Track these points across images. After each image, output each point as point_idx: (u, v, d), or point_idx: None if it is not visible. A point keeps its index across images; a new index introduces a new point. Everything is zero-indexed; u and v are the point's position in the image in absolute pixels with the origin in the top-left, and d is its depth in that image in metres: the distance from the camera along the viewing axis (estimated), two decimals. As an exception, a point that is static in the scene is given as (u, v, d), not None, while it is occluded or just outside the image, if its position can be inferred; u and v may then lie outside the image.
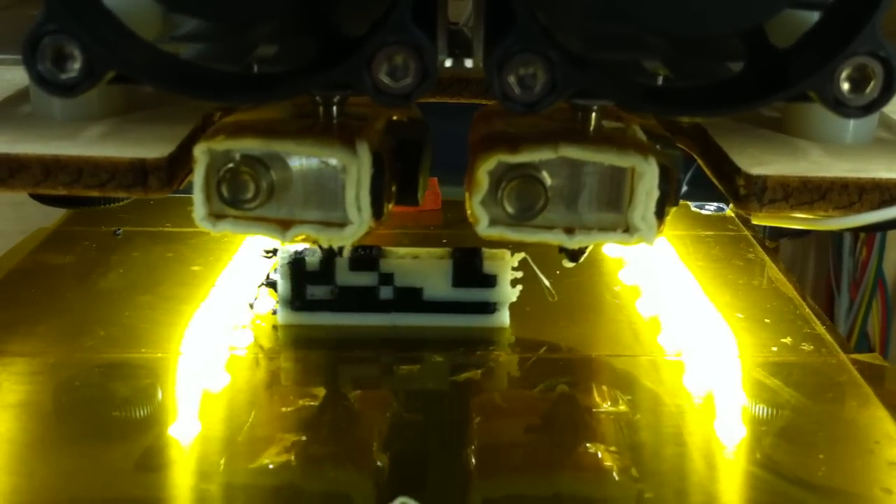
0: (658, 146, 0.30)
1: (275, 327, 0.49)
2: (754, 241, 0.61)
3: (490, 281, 0.48)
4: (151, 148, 0.29)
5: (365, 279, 0.48)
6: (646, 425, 0.41)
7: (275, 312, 0.49)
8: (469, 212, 0.30)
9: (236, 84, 0.28)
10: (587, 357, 0.47)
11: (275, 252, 0.51)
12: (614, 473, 0.38)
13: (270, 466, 0.38)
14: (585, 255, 0.37)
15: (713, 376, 0.45)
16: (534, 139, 0.29)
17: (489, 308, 0.49)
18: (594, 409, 0.42)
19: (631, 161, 0.29)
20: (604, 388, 0.44)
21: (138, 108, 0.33)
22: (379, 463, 0.38)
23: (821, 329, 0.50)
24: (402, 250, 0.49)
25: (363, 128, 0.30)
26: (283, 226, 0.30)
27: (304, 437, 0.40)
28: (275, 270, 0.49)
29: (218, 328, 0.49)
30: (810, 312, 0.52)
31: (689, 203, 0.67)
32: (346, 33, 0.27)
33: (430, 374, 0.46)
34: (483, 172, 0.29)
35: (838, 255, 0.81)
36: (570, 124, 0.30)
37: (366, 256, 0.48)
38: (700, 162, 0.34)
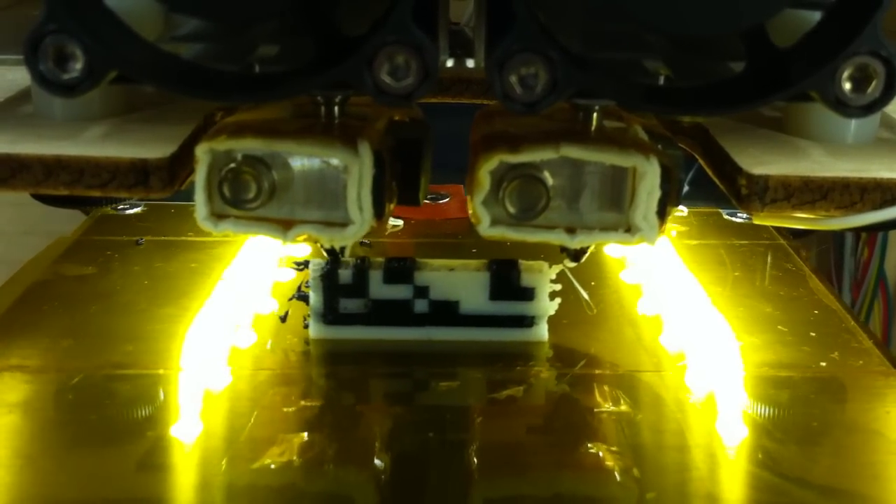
0: (659, 146, 0.30)
1: (306, 341, 0.48)
2: (791, 251, 0.60)
3: (528, 294, 0.47)
4: (153, 148, 0.29)
5: (399, 292, 0.47)
6: (647, 425, 0.41)
7: (306, 326, 0.48)
8: (470, 212, 0.30)
9: (237, 84, 0.28)
10: (629, 373, 0.46)
11: (306, 264, 0.50)
12: (616, 474, 0.38)
13: (272, 467, 0.38)
14: (587, 255, 0.37)
15: (715, 377, 0.45)
16: (535, 139, 0.29)
17: (527, 322, 0.48)
18: (595, 410, 0.42)
19: (632, 161, 0.29)
20: (605, 388, 0.44)
21: (139, 108, 0.33)
22: (380, 463, 0.38)
23: (868, 343, 0.48)
24: (437, 262, 0.47)
25: (364, 128, 0.30)
26: (285, 226, 0.30)
27: (305, 438, 0.40)
28: (306, 283, 0.48)
29: (220, 330, 0.49)
30: (856, 325, 0.50)
31: (721, 211, 0.65)
32: (347, 33, 0.27)
33: (469, 391, 0.45)
34: (484, 172, 0.29)
35: (840, 255, 0.81)
36: (572, 124, 0.30)
37: (400, 269, 0.47)
38: (701, 162, 0.34)
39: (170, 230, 0.60)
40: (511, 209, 0.29)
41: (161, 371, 0.45)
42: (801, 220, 0.32)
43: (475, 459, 0.38)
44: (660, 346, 0.48)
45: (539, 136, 0.29)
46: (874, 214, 0.29)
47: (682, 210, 0.65)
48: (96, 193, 0.29)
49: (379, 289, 0.47)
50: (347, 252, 0.46)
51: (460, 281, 0.47)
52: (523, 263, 0.47)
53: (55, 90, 0.27)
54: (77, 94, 0.27)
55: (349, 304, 0.47)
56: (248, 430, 0.40)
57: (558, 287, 0.48)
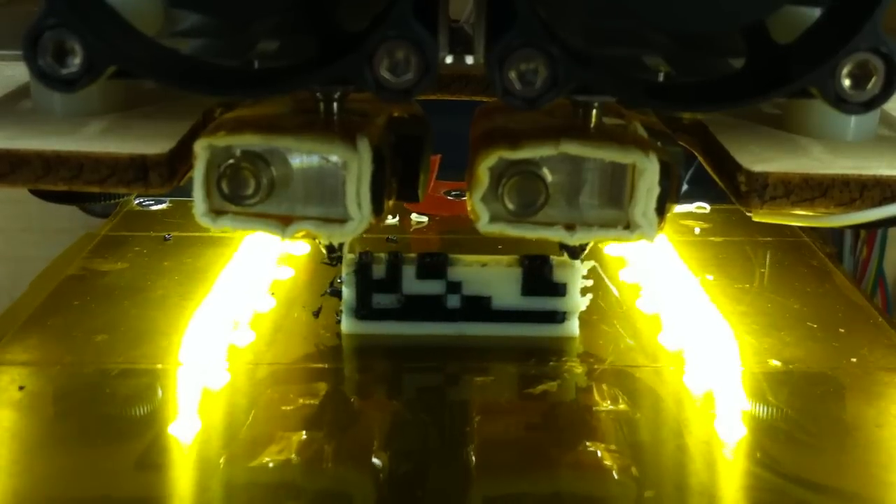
0: (659, 143, 0.30)
1: (338, 336, 0.48)
2: (815, 248, 0.60)
3: (560, 290, 0.47)
4: (152, 144, 0.29)
5: (432, 287, 0.47)
6: (646, 424, 0.41)
7: (339, 321, 0.48)
8: (470, 208, 0.30)
9: (237, 79, 0.28)
10: (661, 367, 0.46)
11: (339, 260, 0.49)
12: (614, 472, 0.38)
13: (270, 465, 0.38)
14: (586, 251, 0.37)
15: (713, 376, 0.45)
16: (535, 135, 0.29)
17: (558, 317, 0.48)
18: (594, 408, 0.42)
19: (632, 158, 0.29)
20: (604, 386, 0.44)
21: (139, 103, 0.33)
22: (379, 461, 0.38)
23: None
24: (469, 258, 0.47)
25: (364, 124, 0.30)
26: (284, 222, 0.30)
27: (304, 435, 0.40)
28: (339, 278, 0.48)
29: (220, 328, 0.49)
30: (885, 322, 0.50)
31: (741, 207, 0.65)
32: (347, 29, 0.27)
33: (504, 386, 0.45)
34: (484, 169, 0.29)
35: (839, 253, 0.81)
36: (571, 121, 0.30)
37: (433, 264, 0.47)
38: (701, 159, 0.34)
39: (196, 226, 0.59)
40: (510, 205, 0.29)
41: (167, 367, 0.45)
42: (801, 217, 0.32)
43: (473, 458, 0.38)
44: (659, 346, 0.48)
45: (538, 133, 0.29)
46: (874, 211, 0.29)
47: (704, 206, 0.66)
48: (95, 189, 0.29)
49: (412, 284, 0.47)
50: (346, 248, 0.46)
51: (493, 276, 0.47)
52: (555, 259, 0.47)
53: (54, 85, 0.27)
54: (76, 89, 0.27)
55: (382, 300, 0.47)
56: (246, 428, 0.40)
57: (590, 283, 0.48)
